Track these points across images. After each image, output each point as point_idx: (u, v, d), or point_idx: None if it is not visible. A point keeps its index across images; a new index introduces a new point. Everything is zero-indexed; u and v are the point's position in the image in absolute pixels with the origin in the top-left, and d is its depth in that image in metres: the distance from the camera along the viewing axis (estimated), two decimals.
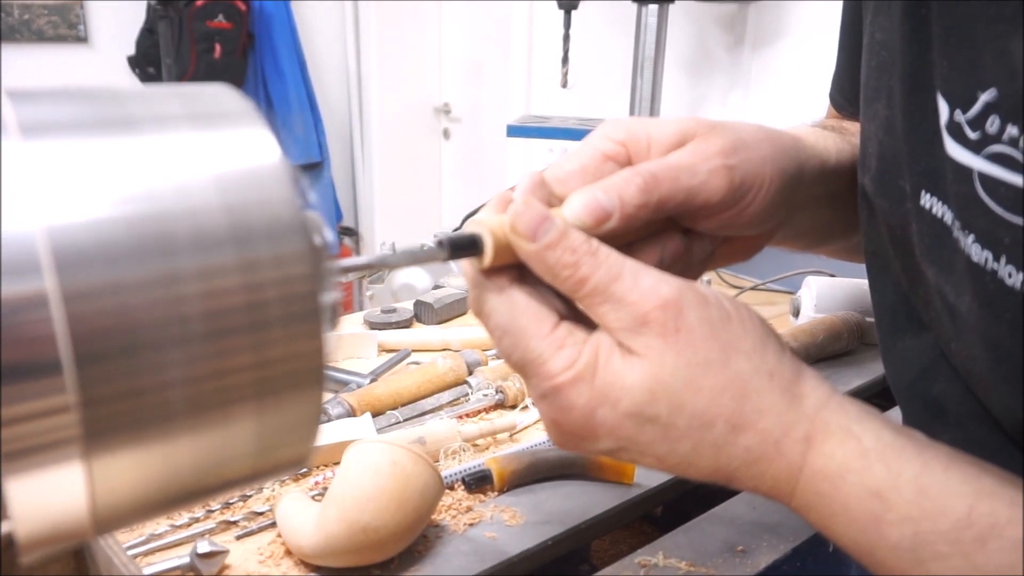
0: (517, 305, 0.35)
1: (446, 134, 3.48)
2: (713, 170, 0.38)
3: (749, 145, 0.40)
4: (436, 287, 1.13)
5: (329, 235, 0.30)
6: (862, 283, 1.00)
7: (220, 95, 0.29)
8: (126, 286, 0.24)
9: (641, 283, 0.33)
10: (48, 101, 0.26)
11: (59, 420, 0.24)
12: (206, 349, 0.26)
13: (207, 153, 0.27)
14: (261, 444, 0.29)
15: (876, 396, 0.89)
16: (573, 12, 2.05)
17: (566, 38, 2.08)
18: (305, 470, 0.67)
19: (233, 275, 0.26)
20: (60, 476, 0.25)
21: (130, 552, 0.54)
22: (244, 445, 0.29)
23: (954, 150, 0.34)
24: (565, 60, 2.09)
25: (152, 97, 0.28)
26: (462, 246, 0.34)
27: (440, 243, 0.34)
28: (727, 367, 0.33)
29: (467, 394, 0.82)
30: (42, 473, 0.24)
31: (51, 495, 0.25)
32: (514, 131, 2.09)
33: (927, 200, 0.37)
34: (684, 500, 0.70)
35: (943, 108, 0.34)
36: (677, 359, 0.33)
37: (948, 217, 0.35)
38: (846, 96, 0.56)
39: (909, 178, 0.38)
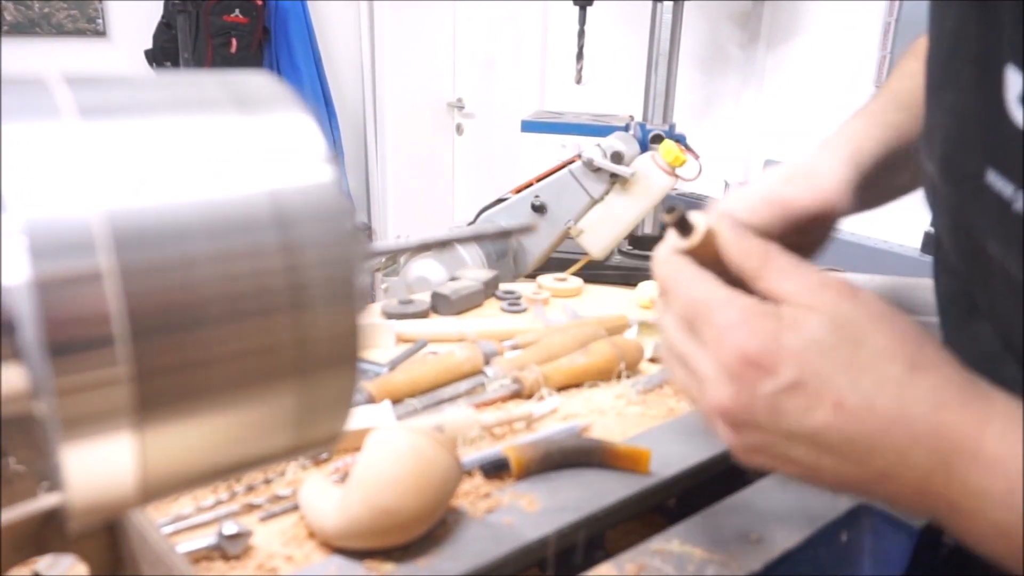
0: (705, 272, 0.41)
1: (459, 129, 3.49)
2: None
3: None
4: (452, 279, 1.14)
5: (363, 222, 0.31)
6: (898, 280, 1.00)
7: (262, 82, 0.30)
8: (179, 265, 0.25)
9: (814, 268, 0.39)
10: (101, 86, 0.27)
11: (114, 392, 0.25)
12: (250, 327, 0.27)
13: (252, 138, 0.28)
14: (299, 419, 0.30)
15: None
16: (588, 8, 2.06)
17: (581, 34, 2.08)
18: (326, 456, 0.68)
19: (276, 256, 0.27)
20: (112, 446, 0.26)
21: None
22: (284, 420, 0.30)
23: None
24: (580, 56, 2.10)
25: (197, 84, 0.29)
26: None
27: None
28: (904, 321, 0.36)
29: (484, 384, 0.83)
30: (96, 443, 0.25)
31: (103, 464, 0.26)
32: (528, 126, 2.10)
33: (992, 177, 0.38)
34: (697, 492, 0.71)
35: (1015, 79, 0.35)
36: (856, 309, 0.36)
37: (1010, 191, 0.36)
38: None
39: (977, 157, 0.40)
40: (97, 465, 0.26)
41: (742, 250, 0.40)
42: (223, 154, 0.27)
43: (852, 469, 0.36)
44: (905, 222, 2.30)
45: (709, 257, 0.42)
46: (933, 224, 0.51)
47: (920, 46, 0.63)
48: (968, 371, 0.35)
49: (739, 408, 0.37)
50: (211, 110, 0.28)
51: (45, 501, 0.44)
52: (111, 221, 0.24)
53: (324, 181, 0.29)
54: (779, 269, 0.39)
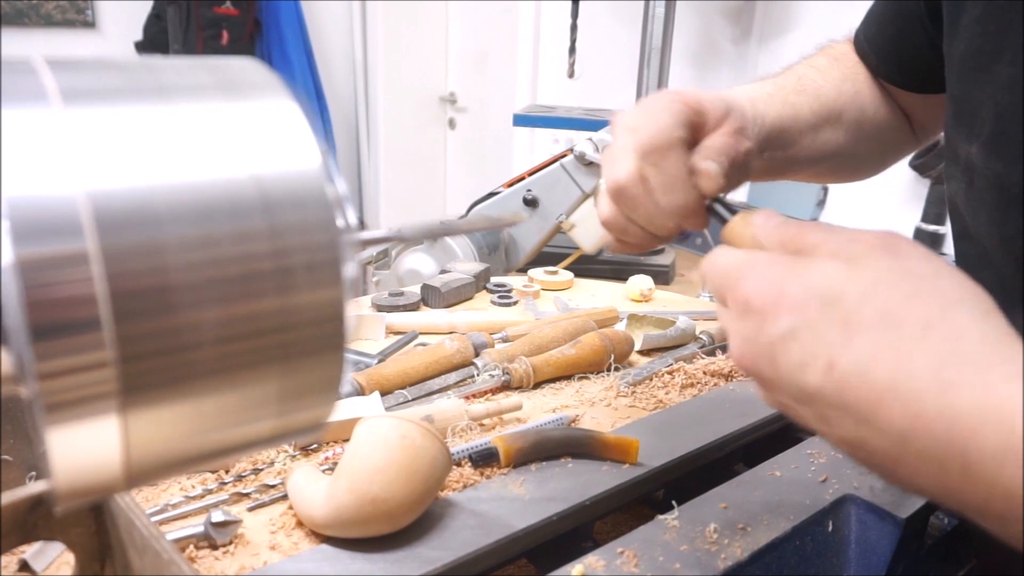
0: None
1: (452, 124, 3.49)
2: (741, 140, 0.53)
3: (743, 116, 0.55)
4: (443, 272, 1.14)
5: (349, 208, 0.31)
6: None
7: (248, 68, 0.30)
8: (163, 248, 0.25)
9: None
10: (86, 70, 0.27)
11: (98, 375, 0.25)
12: (236, 311, 0.27)
13: (237, 123, 0.28)
14: (284, 405, 0.30)
15: None
16: (581, 2, 2.06)
17: (573, 28, 2.08)
18: (315, 446, 0.68)
19: (262, 241, 0.27)
20: (97, 429, 0.26)
21: None
22: (268, 405, 0.30)
23: None
24: (572, 50, 2.10)
25: (183, 69, 0.29)
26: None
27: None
28: (936, 282, 0.32)
29: (473, 375, 0.83)
30: (81, 426, 0.25)
31: (88, 447, 0.26)
32: (520, 120, 2.09)
33: None
34: (685, 483, 0.71)
35: None
36: (883, 261, 0.33)
37: None
38: (873, 46, 0.66)
39: None
40: (82, 448, 0.26)
41: (777, 225, 0.38)
42: (209, 139, 0.27)
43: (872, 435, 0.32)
44: (894, 217, 2.31)
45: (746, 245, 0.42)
46: (958, 220, 0.50)
47: (836, 50, 0.69)
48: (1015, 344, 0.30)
49: (745, 359, 0.35)
50: (197, 95, 0.28)
51: (32, 488, 0.44)
52: (94, 204, 0.24)
53: (310, 166, 0.29)
54: (815, 227, 0.36)
